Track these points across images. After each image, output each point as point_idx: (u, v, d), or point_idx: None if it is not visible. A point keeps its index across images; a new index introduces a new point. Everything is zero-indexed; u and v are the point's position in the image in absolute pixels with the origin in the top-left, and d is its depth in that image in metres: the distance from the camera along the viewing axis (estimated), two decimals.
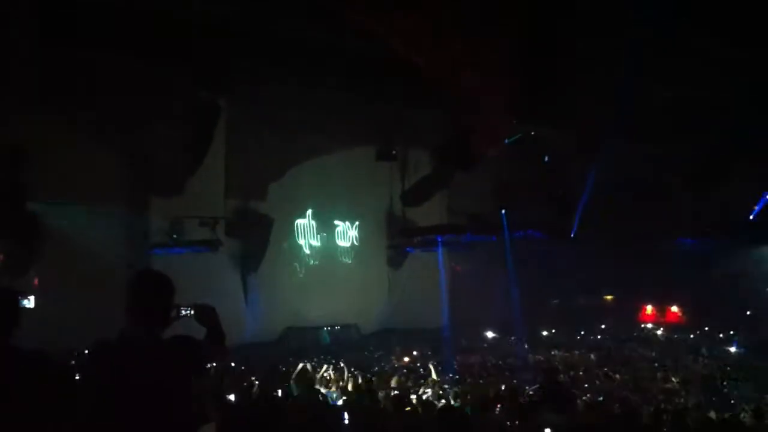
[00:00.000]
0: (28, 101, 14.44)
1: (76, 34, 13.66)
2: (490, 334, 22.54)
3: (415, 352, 19.03)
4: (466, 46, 13.58)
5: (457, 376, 15.44)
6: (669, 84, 15.74)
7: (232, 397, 9.76)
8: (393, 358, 18.62)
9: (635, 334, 23.80)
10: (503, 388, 12.36)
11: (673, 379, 15.01)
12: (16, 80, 13.87)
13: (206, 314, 3.70)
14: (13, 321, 3.84)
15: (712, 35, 13.55)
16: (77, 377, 4.07)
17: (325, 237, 22.98)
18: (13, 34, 12.89)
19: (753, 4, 12.54)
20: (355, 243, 23.60)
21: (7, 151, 14.53)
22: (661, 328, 24.34)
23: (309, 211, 22.45)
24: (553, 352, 19.92)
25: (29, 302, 13.76)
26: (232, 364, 14.81)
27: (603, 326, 23.99)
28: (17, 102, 14.29)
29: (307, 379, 11.67)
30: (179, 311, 3.61)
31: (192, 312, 3.66)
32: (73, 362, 9.35)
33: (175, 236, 17.77)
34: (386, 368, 16.68)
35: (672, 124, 16.92)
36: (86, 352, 3.68)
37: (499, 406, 9.78)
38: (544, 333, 23.51)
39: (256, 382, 11.57)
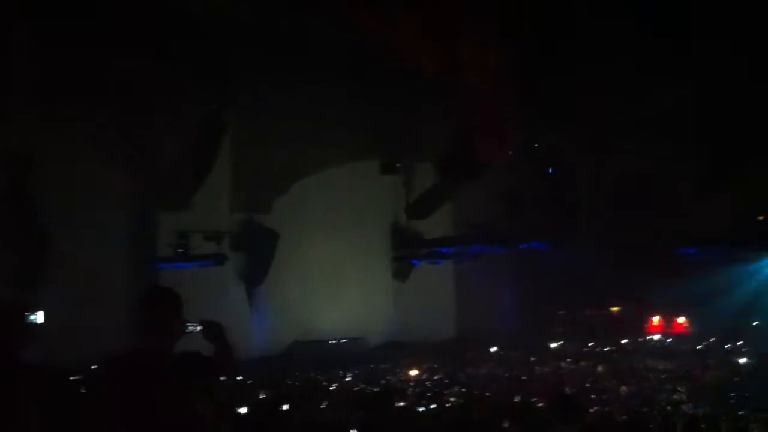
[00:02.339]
0: (33, 114, 14.48)
1: (77, 44, 13.73)
2: (496, 346, 22.42)
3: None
4: (469, 53, 13.60)
5: (464, 389, 15.36)
6: (675, 87, 15.72)
7: (238, 410, 9.74)
8: (400, 371, 18.53)
9: (642, 344, 23.67)
10: (512, 400, 12.31)
11: (679, 389, 14.92)
12: (21, 94, 13.90)
13: (214, 330, 3.71)
14: (19, 335, 3.84)
15: (716, 36, 13.57)
16: (84, 392, 4.07)
17: (330, 250, 22.94)
18: (17, 47, 12.94)
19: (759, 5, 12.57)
20: (361, 256, 23.55)
21: (11, 163, 14.56)
22: (669, 339, 24.21)
23: (315, 225, 22.43)
24: (561, 364, 19.82)
25: (39, 317, 13.74)
26: (239, 378, 14.79)
27: (610, 338, 23.87)
28: (23, 114, 14.33)
29: None
30: (186, 327, 3.62)
31: (200, 328, 3.67)
32: (79, 377, 9.35)
33: (180, 250, 17.80)
34: (393, 381, 16.62)
35: (678, 128, 16.86)
36: (94, 367, 3.69)
37: (507, 418, 9.74)
38: (553, 345, 23.39)
39: (263, 396, 11.56)
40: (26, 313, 4.15)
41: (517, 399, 12.46)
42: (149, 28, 13.60)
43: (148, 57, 14.55)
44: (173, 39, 14.08)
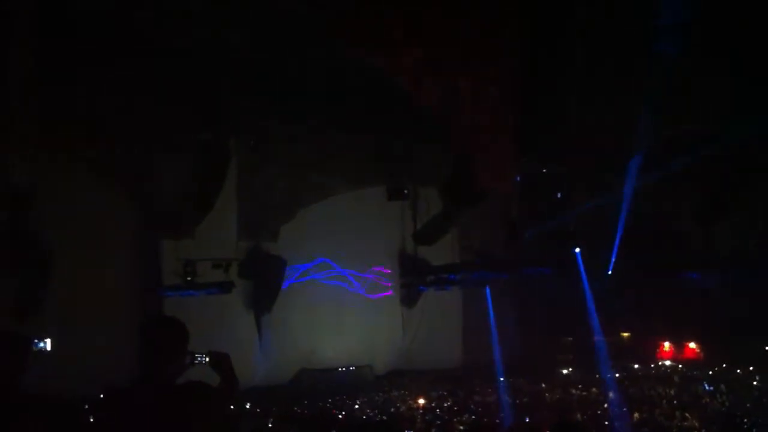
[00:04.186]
0: (36, 147, 14.53)
1: (80, 74, 13.83)
2: (505, 373, 22.27)
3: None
4: (471, 81, 13.67)
5: (473, 417, 15.25)
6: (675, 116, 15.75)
7: None
8: (409, 398, 18.41)
9: (653, 371, 23.47)
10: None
11: (687, 415, 14.79)
12: (21, 124, 13.95)
13: (221, 361, 3.70)
14: (22, 366, 3.83)
15: (715, 66, 13.63)
16: (91, 423, 4.06)
17: (338, 277, 22.89)
18: (17, 77, 13.03)
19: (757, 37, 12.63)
20: (368, 282, 23.49)
21: (16, 194, 14.59)
22: (680, 365, 24.00)
23: (321, 251, 22.40)
24: (573, 391, 19.67)
25: (46, 345, 13.73)
26: (247, 406, 14.73)
27: (620, 364, 23.69)
28: (25, 147, 14.38)
29: None
30: (194, 358, 3.61)
31: (207, 359, 3.66)
32: (86, 407, 9.33)
33: (188, 279, 17.79)
34: (402, 409, 16.52)
35: (679, 154, 16.85)
36: (100, 397, 3.68)
37: None
38: (564, 372, 23.22)
39: (271, 424, 11.52)
40: (27, 343, 4.13)
41: (526, 425, 12.37)
42: (152, 57, 13.72)
43: (153, 86, 14.67)
44: (177, 70, 14.20)
